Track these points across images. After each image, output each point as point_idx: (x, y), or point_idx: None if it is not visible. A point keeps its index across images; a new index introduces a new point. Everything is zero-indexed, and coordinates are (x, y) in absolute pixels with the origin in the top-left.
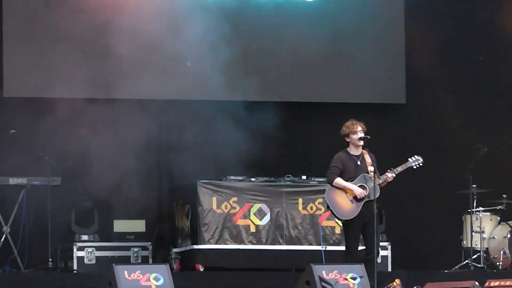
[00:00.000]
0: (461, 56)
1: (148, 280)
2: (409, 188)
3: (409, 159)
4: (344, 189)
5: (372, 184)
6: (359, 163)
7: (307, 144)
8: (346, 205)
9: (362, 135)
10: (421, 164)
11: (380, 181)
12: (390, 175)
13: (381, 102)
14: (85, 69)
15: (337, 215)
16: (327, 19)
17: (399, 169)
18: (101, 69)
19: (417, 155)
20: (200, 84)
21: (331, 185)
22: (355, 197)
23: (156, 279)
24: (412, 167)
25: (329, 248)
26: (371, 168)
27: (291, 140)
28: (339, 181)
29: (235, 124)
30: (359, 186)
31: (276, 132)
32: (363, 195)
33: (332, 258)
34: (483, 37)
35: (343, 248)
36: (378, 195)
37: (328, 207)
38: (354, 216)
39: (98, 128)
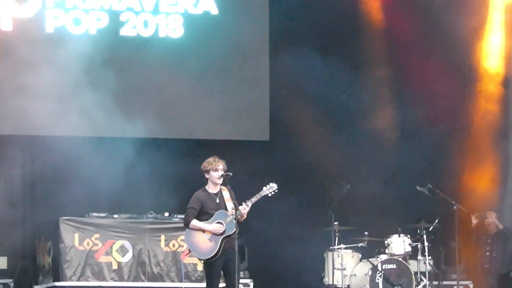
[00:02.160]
0: (324, 93)
1: None
2: (272, 224)
3: (264, 187)
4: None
5: (228, 219)
6: (217, 200)
7: (172, 180)
8: (205, 244)
9: (222, 173)
10: (276, 191)
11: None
12: (243, 207)
13: (246, 139)
14: None
15: (198, 256)
16: (194, 56)
17: (253, 199)
18: None
19: (271, 182)
20: (65, 120)
21: (188, 228)
22: (213, 235)
23: None
24: (267, 195)
25: (191, 285)
26: (229, 204)
27: (156, 177)
28: (195, 223)
29: (97, 160)
30: (216, 223)
31: (140, 168)
32: (221, 230)
33: None
34: (348, 73)
35: (205, 285)
36: (237, 230)
37: (189, 251)
38: (214, 253)
39: None
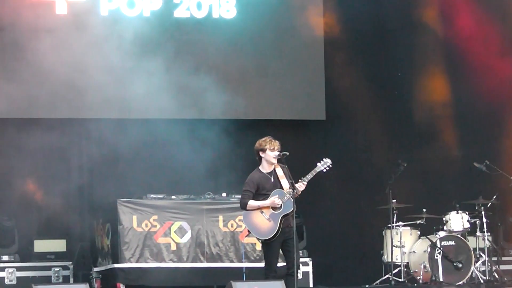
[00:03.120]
0: (381, 72)
1: None
2: (330, 203)
3: (318, 163)
4: (259, 209)
5: (286, 197)
6: (272, 179)
7: (228, 161)
8: (264, 224)
9: (278, 152)
10: (330, 166)
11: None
12: (299, 184)
13: (302, 118)
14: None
15: (258, 236)
16: (248, 37)
17: (309, 176)
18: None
19: (325, 158)
20: (120, 103)
21: (246, 210)
22: (271, 214)
23: None
24: (322, 171)
25: (250, 264)
26: (284, 182)
27: (212, 157)
28: (252, 203)
29: (155, 142)
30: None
31: (196, 149)
32: (279, 203)
33: (253, 275)
34: (402, 54)
35: (263, 264)
36: (295, 209)
37: (249, 232)
38: (274, 233)
39: (11, 149)
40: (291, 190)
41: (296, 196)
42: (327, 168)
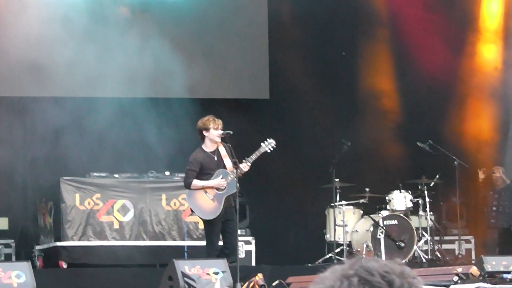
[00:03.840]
0: (326, 51)
1: (10, 277)
2: (273, 182)
3: (262, 143)
4: (203, 189)
5: (230, 177)
6: (215, 158)
7: (171, 139)
8: (208, 205)
9: (222, 131)
10: (274, 147)
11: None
12: (243, 165)
13: (245, 97)
14: None
15: (201, 217)
16: (192, 16)
17: (253, 156)
18: None
19: (269, 138)
20: (67, 81)
21: (190, 189)
22: (215, 195)
23: (18, 276)
24: (266, 151)
25: (193, 243)
26: (227, 161)
27: (155, 136)
28: (196, 183)
29: (99, 120)
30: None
31: (139, 127)
32: (224, 184)
33: (195, 253)
34: (347, 32)
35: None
36: (238, 189)
37: (192, 211)
38: (219, 212)
39: None
40: (234, 170)
41: (239, 176)
42: (271, 149)
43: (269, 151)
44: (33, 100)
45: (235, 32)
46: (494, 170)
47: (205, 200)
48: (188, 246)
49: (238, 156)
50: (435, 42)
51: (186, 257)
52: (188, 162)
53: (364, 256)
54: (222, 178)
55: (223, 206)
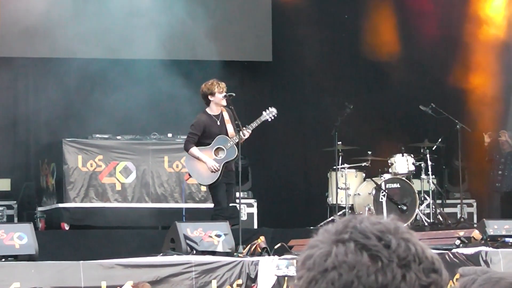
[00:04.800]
0: (328, 14)
1: (12, 239)
2: (275, 145)
3: (263, 112)
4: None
5: (229, 144)
6: (219, 123)
7: (174, 101)
8: (205, 171)
9: (225, 93)
10: (275, 115)
11: (237, 141)
12: (245, 132)
13: (248, 59)
14: None
15: (199, 181)
16: None
17: (254, 124)
18: None
19: (271, 107)
20: (65, 42)
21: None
22: (214, 160)
23: (20, 238)
24: (267, 120)
25: (195, 205)
26: (229, 126)
27: (158, 98)
28: (194, 151)
29: (98, 83)
30: (216, 149)
31: (143, 89)
32: (214, 169)
33: (198, 216)
34: None
35: (208, 205)
36: (239, 155)
37: (190, 175)
38: (216, 179)
39: None
40: (236, 137)
41: (241, 142)
42: (272, 118)
43: (269, 120)
44: (36, 61)
45: None
46: (500, 134)
47: (203, 166)
48: (186, 209)
49: (240, 119)
50: (439, 2)
51: (184, 220)
52: (192, 125)
53: (355, 213)
54: (220, 148)
55: (222, 171)
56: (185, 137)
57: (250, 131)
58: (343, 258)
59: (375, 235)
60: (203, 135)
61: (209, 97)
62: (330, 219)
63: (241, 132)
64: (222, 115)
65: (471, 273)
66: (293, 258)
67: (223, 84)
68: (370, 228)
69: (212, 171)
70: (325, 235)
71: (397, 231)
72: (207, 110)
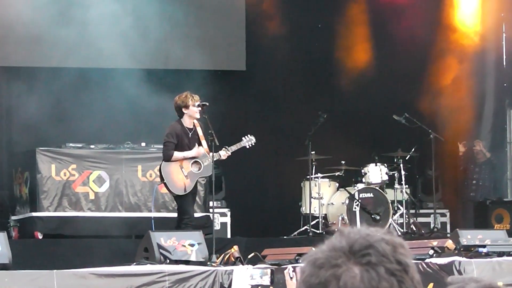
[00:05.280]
0: (302, 23)
1: None
2: (249, 154)
3: (243, 138)
4: (179, 164)
5: (207, 161)
6: (190, 135)
7: (147, 110)
8: (180, 181)
9: (199, 103)
10: (253, 144)
11: (215, 159)
12: (224, 153)
13: (222, 69)
14: None
15: (173, 190)
16: None
17: (233, 148)
18: None
19: (250, 134)
20: (41, 51)
21: (170, 161)
22: (190, 173)
23: None
24: (245, 146)
25: (168, 215)
26: (203, 143)
27: (131, 107)
28: (177, 154)
29: (72, 92)
30: (194, 162)
31: (115, 98)
32: (202, 153)
33: (171, 225)
34: (323, 5)
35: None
36: (213, 174)
37: (162, 180)
38: (188, 191)
39: None
40: (218, 154)
41: (219, 159)
42: (251, 145)
43: (248, 147)
44: (9, 70)
45: (212, 3)
46: (474, 143)
47: (179, 175)
48: (159, 218)
49: (214, 128)
50: (412, 11)
51: (153, 229)
52: (166, 133)
53: (330, 223)
54: (196, 162)
55: (194, 185)
56: (159, 146)
57: (229, 153)
58: (377, 284)
59: (395, 258)
60: (176, 144)
61: (183, 109)
62: (303, 228)
63: (220, 152)
64: (196, 130)
65: (459, 281)
66: (266, 268)
67: (197, 97)
68: (386, 249)
69: (196, 169)
70: (337, 253)
71: (405, 249)
72: (182, 120)
